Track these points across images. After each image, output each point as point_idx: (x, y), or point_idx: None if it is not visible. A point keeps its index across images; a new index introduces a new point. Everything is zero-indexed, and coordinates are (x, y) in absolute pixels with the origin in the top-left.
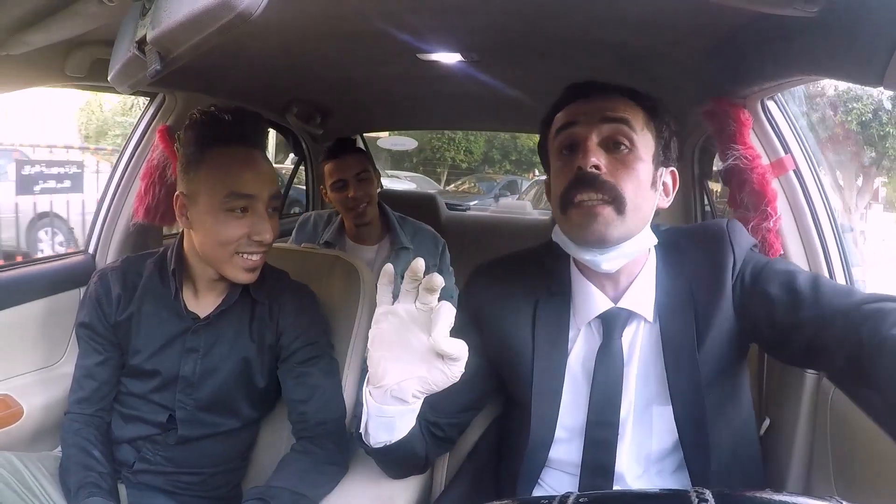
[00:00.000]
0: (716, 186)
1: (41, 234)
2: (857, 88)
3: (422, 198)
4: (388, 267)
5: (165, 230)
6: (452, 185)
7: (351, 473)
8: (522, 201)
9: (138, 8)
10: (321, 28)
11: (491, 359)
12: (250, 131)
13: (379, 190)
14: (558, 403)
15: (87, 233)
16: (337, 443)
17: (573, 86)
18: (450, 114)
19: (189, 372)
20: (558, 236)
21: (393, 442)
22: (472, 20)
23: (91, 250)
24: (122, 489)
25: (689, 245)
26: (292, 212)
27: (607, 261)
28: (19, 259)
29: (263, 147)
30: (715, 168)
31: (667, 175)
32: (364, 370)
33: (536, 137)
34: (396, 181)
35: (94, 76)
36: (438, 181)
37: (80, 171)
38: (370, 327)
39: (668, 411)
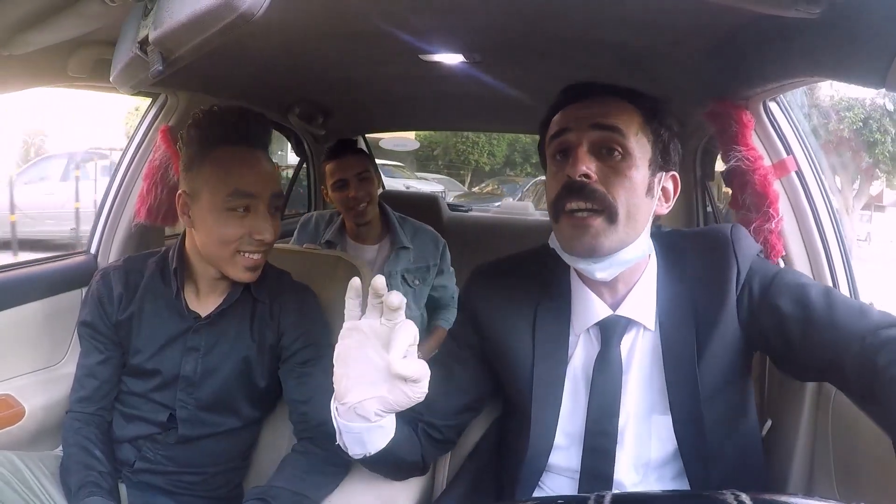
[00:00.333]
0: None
1: None
2: (849, 98)
3: (423, 198)
4: (355, 281)
5: (167, 231)
6: (477, 188)
7: (352, 474)
8: (524, 202)
9: (140, 8)
10: (323, 28)
11: (490, 361)
12: (254, 131)
13: (380, 191)
14: (558, 410)
15: None
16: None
17: (569, 88)
18: (451, 114)
19: (190, 371)
20: (555, 242)
21: (371, 454)
22: (473, 21)
23: (93, 250)
24: (122, 489)
25: (692, 251)
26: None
27: (601, 270)
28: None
29: (267, 147)
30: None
31: (667, 180)
32: None
33: None
34: (425, 182)
35: (96, 76)
36: (462, 183)
37: None
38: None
39: (667, 420)
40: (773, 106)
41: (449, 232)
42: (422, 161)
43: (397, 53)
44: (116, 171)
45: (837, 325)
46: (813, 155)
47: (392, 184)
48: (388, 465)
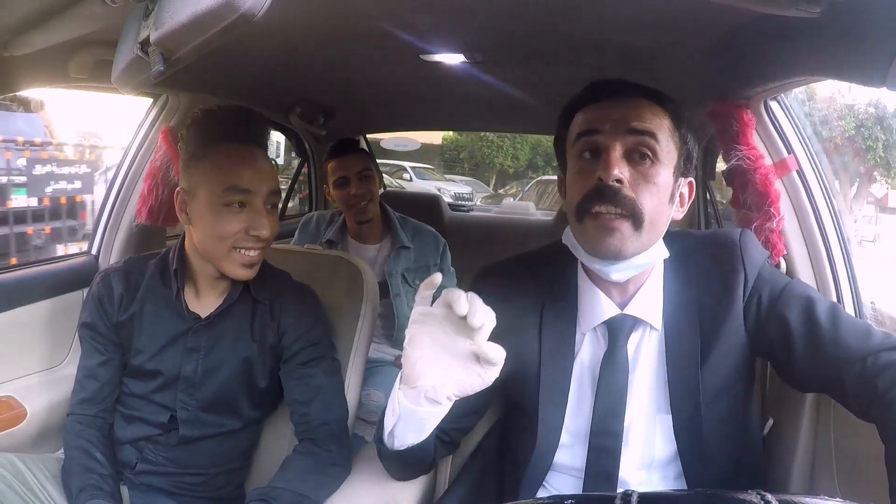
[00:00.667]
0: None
1: None
2: (842, 106)
3: (424, 198)
4: (437, 276)
5: (168, 231)
6: (503, 189)
7: (354, 474)
8: (526, 202)
9: (141, 9)
10: (324, 28)
11: None
12: (252, 129)
13: (381, 191)
14: (564, 409)
15: None
16: (339, 444)
17: (596, 84)
18: (453, 114)
19: (190, 372)
20: (569, 240)
21: (417, 443)
22: (474, 21)
23: (94, 251)
24: (124, 491)
25: (700, 253)
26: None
27: (617, 272)
28: None
29: (264, 145)
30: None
31: (684, 186)
32: (366, 370)
33: None
34: (453, 184)
35: (97, 77)
36: (487, 184)
37: None
38: (369, 329)
39: (669, 420)
40: (773, 105)
41: (449, 232)
42: (448, 163)
43: (399, 54)
44: (117, 171)
45: (840, 344)
46: (814, 154)
47: (425, 185)
48: (416, 460)
